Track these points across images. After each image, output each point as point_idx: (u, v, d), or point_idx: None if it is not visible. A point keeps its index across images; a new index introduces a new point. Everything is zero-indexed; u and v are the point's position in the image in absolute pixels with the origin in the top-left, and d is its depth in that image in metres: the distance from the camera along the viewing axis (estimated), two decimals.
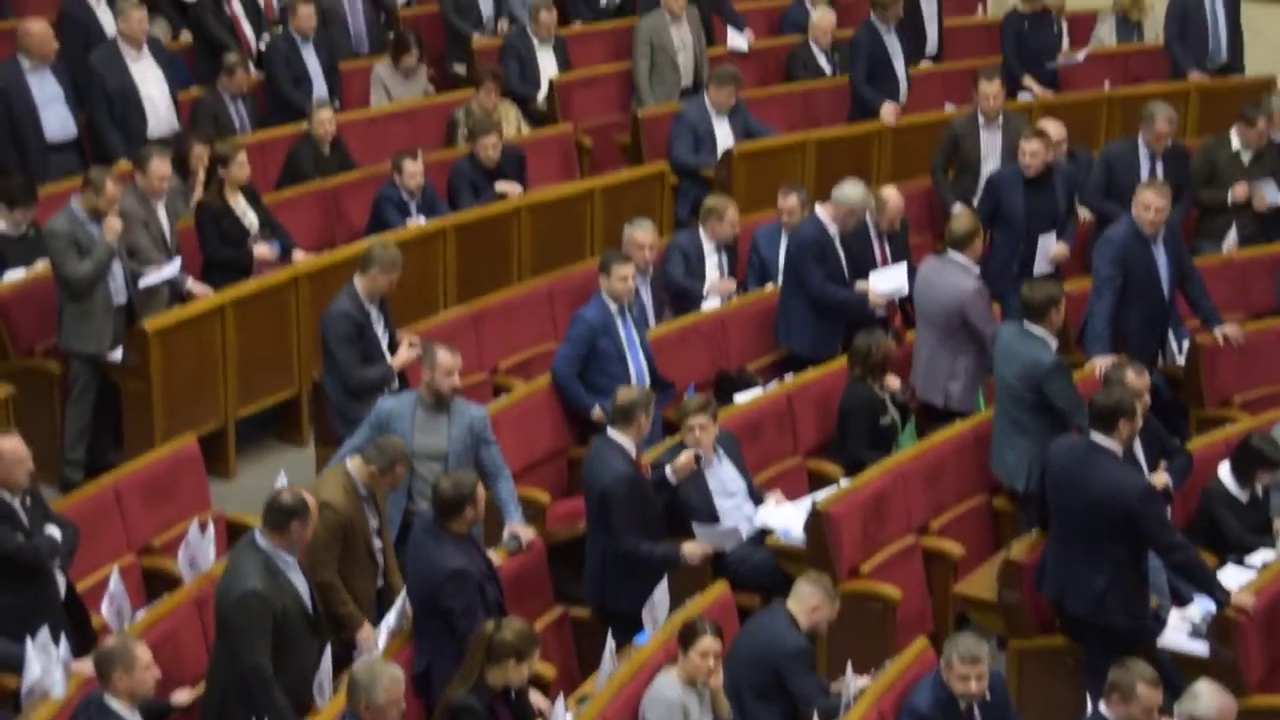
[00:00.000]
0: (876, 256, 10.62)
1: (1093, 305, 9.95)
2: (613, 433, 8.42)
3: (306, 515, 7.44)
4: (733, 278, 10.97)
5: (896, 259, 10.64)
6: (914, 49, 13.85)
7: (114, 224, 9.68)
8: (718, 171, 12.26)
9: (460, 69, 13.88)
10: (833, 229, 10.34)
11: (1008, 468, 9.14)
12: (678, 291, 10.84)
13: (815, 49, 13.81)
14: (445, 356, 8.60)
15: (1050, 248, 10.97)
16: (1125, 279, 9.84)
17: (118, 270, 9.84)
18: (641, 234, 10.29)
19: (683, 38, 13.34)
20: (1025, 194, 10.86)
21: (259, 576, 7.27)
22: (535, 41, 13.41)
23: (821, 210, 10.39)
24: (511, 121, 12.78)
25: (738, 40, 14.11)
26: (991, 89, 11.90)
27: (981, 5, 16.00)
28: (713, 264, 10.95)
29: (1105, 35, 14.56)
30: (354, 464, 8.10)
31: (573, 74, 13.48)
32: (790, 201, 10.97)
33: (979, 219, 10.31)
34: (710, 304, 10.78)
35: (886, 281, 10.37)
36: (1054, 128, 11.47)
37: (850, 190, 10.34)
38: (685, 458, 8.59)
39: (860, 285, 10.36)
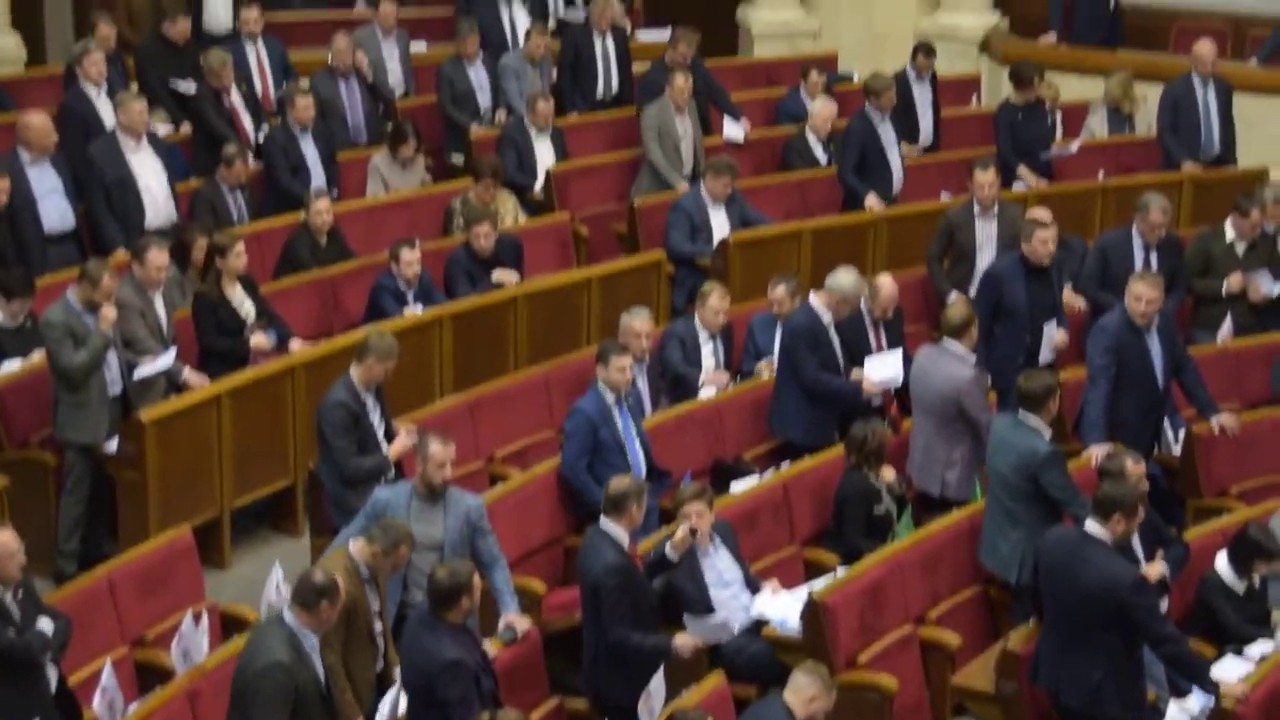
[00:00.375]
0: (871, 344, 10.67)
1: (1088, 394, 9.97)
2: (605, 523, 8.40)
3: (336, 595, 7.46)
4: (725, 370, 10.98)
5: (892, 347, 10.68)
6: (908, 138, 13.99)
7: (109, 314, 9.73)
8: (714, 260, 12.33)
9: (458, 159, 14.00)
10: (827, 317, 10.40)
11: (1000, 559, 9.12)
12: (676, 377, 10.86)
13: (812, 138, 13.95)
14: (437, 448, 8.60)
15: (1054, 336, 11.00)
16: (1120, 368, 9.87)
17: (113, 361, 9.88)
18: (638, 323, 10.33)
19: (685, 127, 13.49)
20: (1026, 284, 10.89)
21: (285, 651, 7.26)
22: (533, 131, 13.53)
23: (816, 298, 10.45)
24: (509, 210, 12.88)
25: (734, 130, 14.24)
26: (986, 178, 11.97)
27: (976, 96, 16.17)
28: (708, 351, 10.98)
29: (1097, 126, 14.68)
30: (356, 546, 8.12)
31: (570, 164, 13.59)
32: (779, 291, 11.03)
33: (981, 313, 10.38)
34: (706, 393, 10.81)
35: (881, 370, 10.39)
36: (1043, 215, 11.55)
37: (843, 279, 10.39)
38: (682, 532, 8.57)
39: (855, 374, 10.39)
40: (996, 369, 10.39)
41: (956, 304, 10.25)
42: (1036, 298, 10.89)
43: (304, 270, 11.65)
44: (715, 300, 10.91)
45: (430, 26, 15.90)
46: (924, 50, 14.38)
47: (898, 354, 10.49)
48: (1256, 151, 14.41)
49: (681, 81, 13.38)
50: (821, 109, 13.97)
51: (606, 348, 9.71)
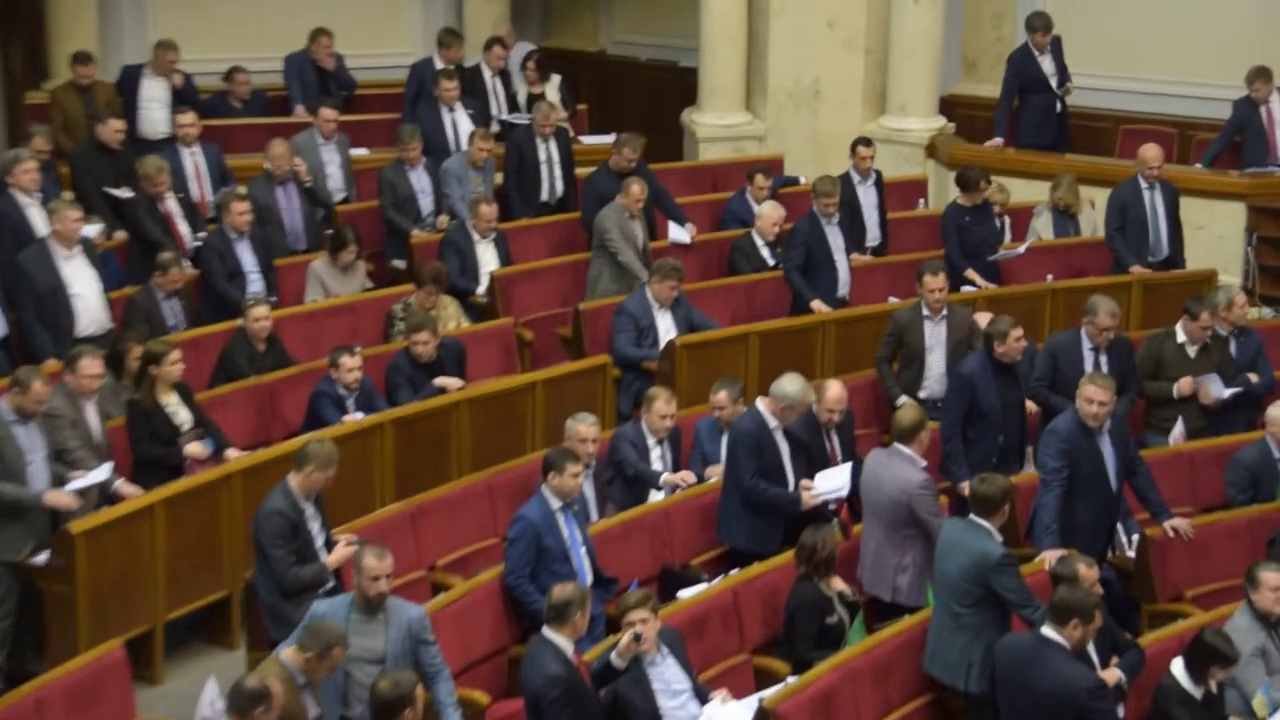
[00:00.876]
0: (825, 448, 10.66)
1: (1040, 498, 9.98)
2: (548, 632, 8.36)
3: (271, 701, 7.39)
4: (689, 471, 10.97)
5: (845, 452, 10.67)
6: (855, 241, 14.07)
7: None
8: (660, 364, 12.36)
9: (399, 264, 14.03)
10: (773, 422, 10.38)
11: (948, 666, 9.03)
12: (635, 475, 10.84)
13: (758, 241, 14.05)
14: (372, 561, 8.54)
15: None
16: (1072, 471, 9.89)
17: (42, 472, 9.74)
18: (584, 428, 10.32)
19: (637, 230, 13.60)
20: (996, 384, 10.93)
21: None
22: (475, 236, 13.58)
23: (762, 404, 10.44)
24: (452, 315, 12.90)
25: (680, 234, 14.33)
26: (936, 283, 12.03)
27: (923, 200, 16.28)
28: (656, 456, 10.98)
29: (1042, 229, 14.77)
30: (289, 653, 8.04)
31: (513, 268, 13.64)
32: (720, 397, 11.03)
33: (954, 415, 10.62)
34: (655, 496, 10.77)
35: (828, 482, 10.38)
36: (985, 319, 11.68)
37: (788, 384, 10.38)
38: (625, 639, 8.48)
39: (804, 484, 10.36)
40: (976, 470, 10.30)
41: (906, 408, 10.26)
42: (1006, 396, 10.96)
43: (241, 378, 11.61)
44: (661, 405, 10.93)
45: (372, 131, 16.00)
46: (861, 143, 14.53)
47: (847, 468, 10.47)
48: (1204, 254, 14.58)
49: (638, 190, 13.48)
50: (768, 212, 14.09)
51: (560, 456, 9.64)
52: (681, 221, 14.45)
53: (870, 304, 13.48)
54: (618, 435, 11.01)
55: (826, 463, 10.61)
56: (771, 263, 13.95)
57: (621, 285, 13.40)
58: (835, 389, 10.78)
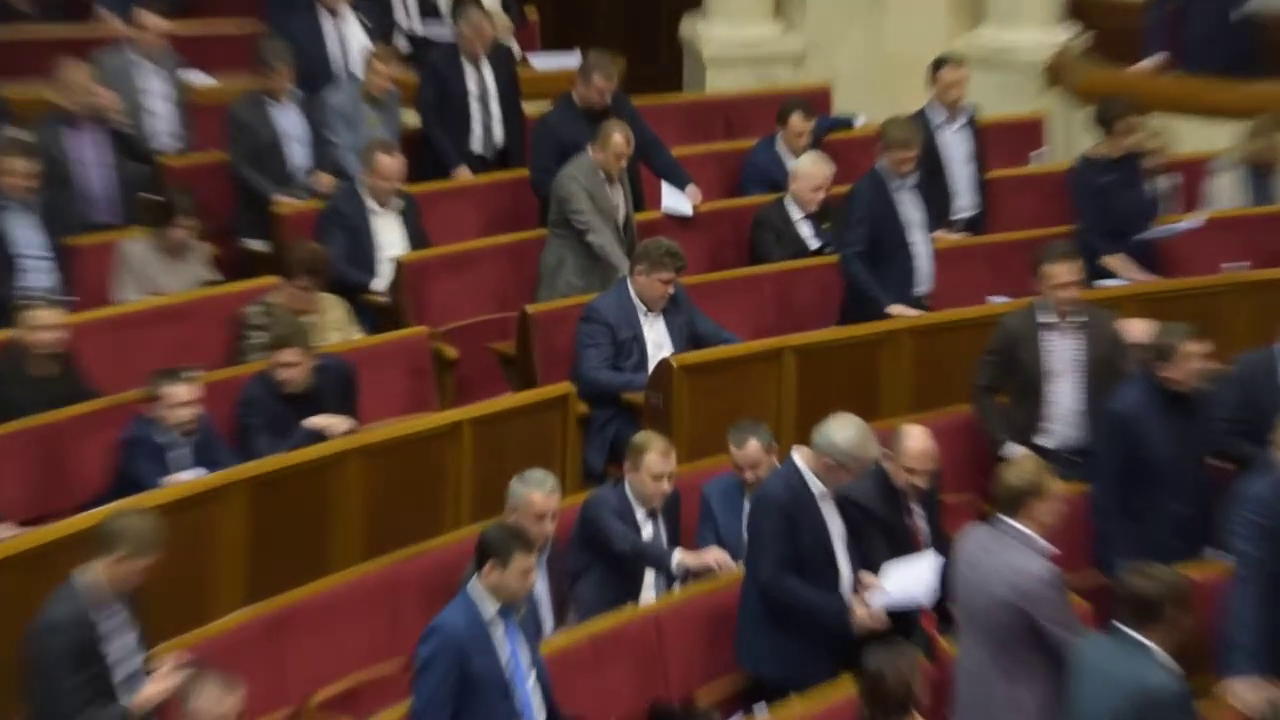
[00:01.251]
0: (902, 527, 10.65)
1: (1233, 598, 10.01)
2: None
3: None
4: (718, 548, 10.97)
5: (930, 531, 10.66)
6: (939, 212, 14.15)
7: None
8: (649, 395, 12.33)
9: (257, 245, 14.15)
10: (817, 487, 10.32)
11: None
12: (631, 553, 10.79)
13: (794, 212, 14.11)
14: (210, 700, 8.54)
15: None
16: (1277, 560, 9.94)
17: None
18: (539, 496, 10.28)
19: (618, 199, 13.74)
20: (1167, 421, 11.12)
21: None
22: (372, 204, 13.65)
23: (801, 458, 10.35)
24: (336, 322, 12.94)
25: (678, 201, 14.47)
26: (1063, 272, 11.99)
27: (1040, 151, 16.45)
28: (647, 533, 10.98)
29: (1222, 194, 14.84)
30: None
31: (429, 251, 13.73)
32: (750, 449, 10.95)
33: (1107, 470, 10.95)
34: (650, 594, 10.80)
35: (902, 580, 10.36)
36: (1141, 330, 11.80)
37: (840, 430, 10.26)
38: None
39: (865, 581, 10.31)
40: (1151, 553, 10.23)
41: (1021, 463, 10.20)
42: (1182, 440, 11.15)
43: (15, 416, 11.54)
44: (655, 460, 10.83)
45: (215, 49, 16.14)
46: (947, 65, 14.67)
47: (931, 558, 10.49)
48: None
49: (619, 140, 13.59)
50: (810, 169, 14.17)
51: (503, 539, 9.48)
52: (682, 184, 14.53)
53: (963, 305, 13.57)
54: (593, 502, 10.95)
55: (901, 548, 10.55)
56: (814, 244, 14.03)
57: (591, 279, 13.48)
58: (916, 438, 10.70)
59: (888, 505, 10.60)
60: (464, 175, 14.77)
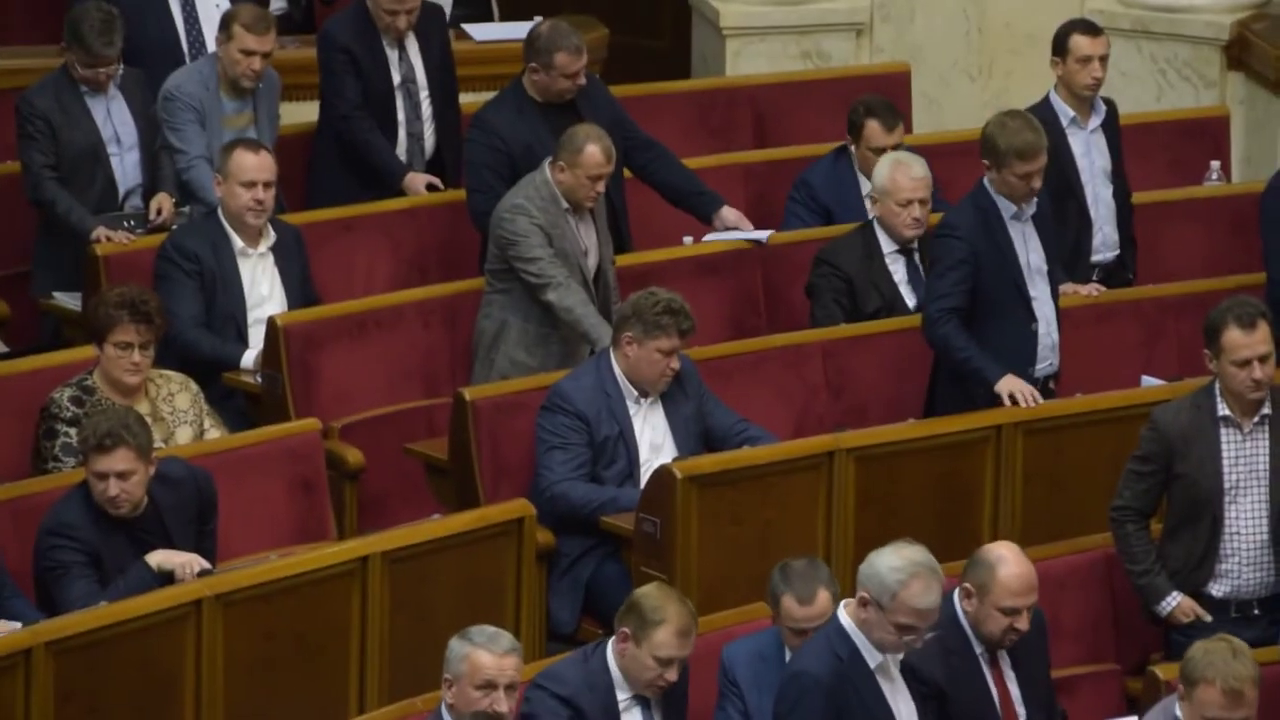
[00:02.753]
0: (994, 695, 10.78)
1: None
2: None
3: None
4: None
5: (1025, 698, 10.82)
6: (1069, 254, 14.28)
7: None
8: (639, 517, 12.45)
9: (65, 300, 14.38)
10: (874, 658, 10.41)
11: None
12: None
13: (885, 243, 14.18)
14: None
15: None
16: None
17: None
18: (488, 656, 10.26)
19: (589, 238, 13.88)
20: None
21: None
22: (236, 239, 13.81)
23: (847, 614, 10.50)
24: (184, 411, 13.09)
25: (733, 222, 14.56)
26: (1250, 344, 12.05)
27: (1217, 165, 16.24)
28: None
29: None
30: None
31: (321, 310, 13.92)
32: (820, 605, 10.94)
33: None
34: None
35: None
36: None
37: (891, 562, 10.36)
38: None
39: None
40: None
41: (1196, 631, 10.50)
42: None
43: None
44: (669, 638, 10.79)
45: (10, 16, 16.41)
46: (1082, 33, 14.75)
47: None
48: None
49: (598, 155, 13.66)
50: (892, 174, 14.15)
51: None
52: (708, 207, 14.67)
53: (1101, 389, 13.67)
54: (559, 672, 10.98)
55: None
56: (912, 298, 14.12)
57: (545, 353, 13.66)
58: (1011, 563, 10.87)
59: (961, 664, 10.75)
60: (417, 186, 14.89)
